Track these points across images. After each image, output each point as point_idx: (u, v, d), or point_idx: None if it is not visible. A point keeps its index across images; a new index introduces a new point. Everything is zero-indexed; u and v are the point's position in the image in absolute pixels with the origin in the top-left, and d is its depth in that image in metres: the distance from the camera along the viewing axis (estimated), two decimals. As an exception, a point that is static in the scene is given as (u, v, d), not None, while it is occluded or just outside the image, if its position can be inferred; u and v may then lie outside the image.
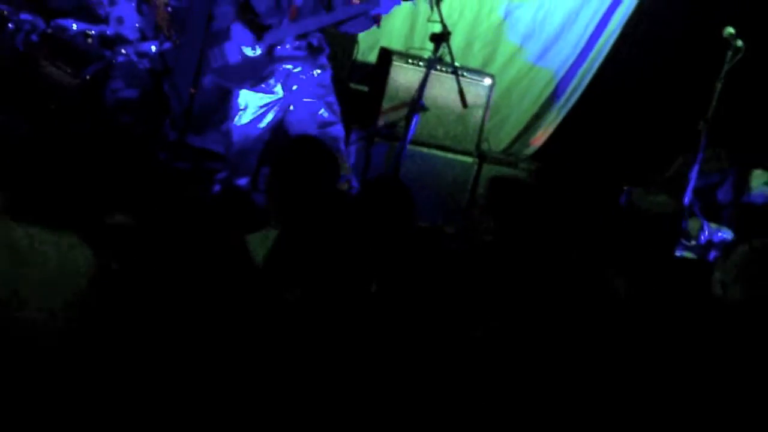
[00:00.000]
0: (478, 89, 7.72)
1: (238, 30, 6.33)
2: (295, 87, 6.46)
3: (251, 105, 6.42)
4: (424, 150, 7.56)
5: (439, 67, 7.12)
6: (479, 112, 7.76)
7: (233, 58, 6.36)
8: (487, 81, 7.83)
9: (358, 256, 3.18)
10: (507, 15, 9.10)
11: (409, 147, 6.79)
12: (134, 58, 6.98)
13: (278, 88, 6.43)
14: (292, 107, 6.50)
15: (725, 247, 6.80)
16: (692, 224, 7.08)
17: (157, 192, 6.11)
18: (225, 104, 6.66)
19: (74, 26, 6.88)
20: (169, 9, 7.11)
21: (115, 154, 5.81)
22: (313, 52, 6.47)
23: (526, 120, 9.46)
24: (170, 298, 2.41)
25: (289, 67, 6.41)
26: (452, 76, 6.83)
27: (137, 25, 7.06)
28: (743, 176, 7.40)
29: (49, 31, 6.81)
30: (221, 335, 2.49)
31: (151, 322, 2.36)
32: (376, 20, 6.45)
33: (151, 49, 7.06)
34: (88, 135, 6.39)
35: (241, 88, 6.43)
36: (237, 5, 6.35)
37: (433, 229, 6.84)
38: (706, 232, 7.10)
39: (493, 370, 2.95)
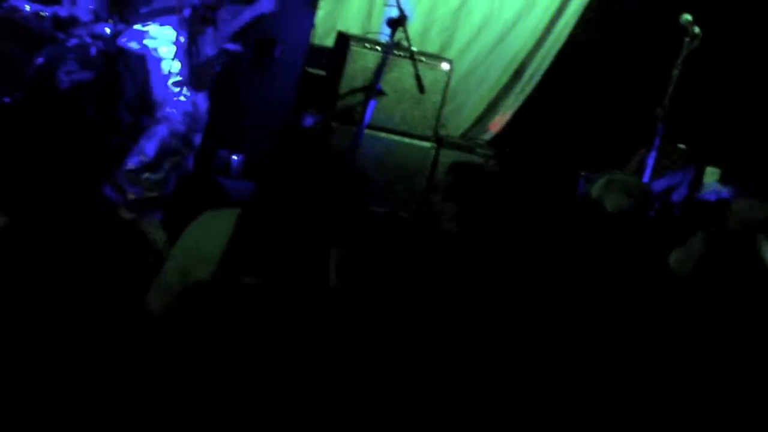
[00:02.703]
0: (435, 74, 7.71)
1: None
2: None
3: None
4: (382, 135, 7.53)
5: (396, 52, 7.10)
6: (437, 97, 7.75)
7: None
8: (445, 66, 7.82)
9: (314, 241, 3.14)
10: (464, 1, 9.08)
11: (367, 132, 6.77)
12: (88, 39, 6.89)
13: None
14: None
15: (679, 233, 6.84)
16: None
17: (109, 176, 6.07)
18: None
19: (27, 7, 6.78)
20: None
21: (69, 136, 5.73)
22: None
23: (484, 105, 9.46)
24: (109, 277, 2.37)
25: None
26: (410, 61, 6.82)
27: (91, 6, 6.97)
28: (699, 174, 7.46)
29: (1, 12, 6.71)
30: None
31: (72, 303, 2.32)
32: None
33: (105, 31, 6.98)
34: (42, 117, 6.32)
35: None
36: None
37: (389, 215, 6.82)
38: None
39: (454, 362, 2.93)
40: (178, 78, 6.25)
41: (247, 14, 6.38)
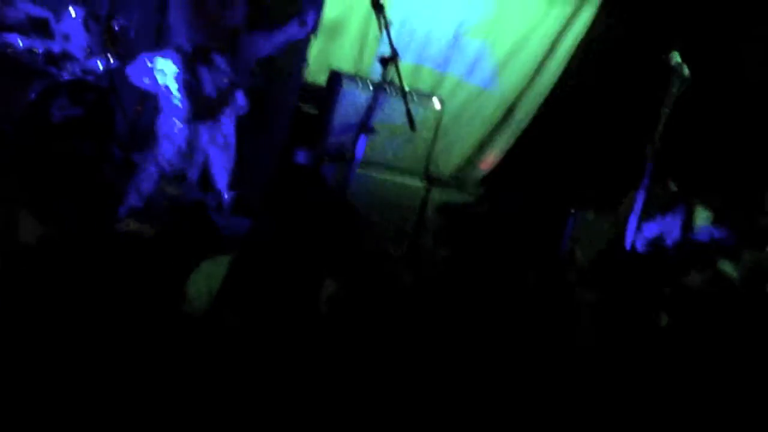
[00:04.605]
0: (427, 112, 7.73)
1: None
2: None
3: None
4: (373, 173, 7.54)
5: (388, 90, 7.13)
6: (428, 135, 7.76)
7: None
8: (436, 104, 7.84)
9: (305, 277, 3.15)
10: (456, 40, 9.13)
11: (358, 169, 6.77)
12: (80, 75, 6.92)
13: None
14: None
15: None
16: None
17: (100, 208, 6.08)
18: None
19: (20, 42, 6.81)
20: (117, 27, 7.07)
21: (61, 170, 5.75)
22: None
23: (475, 144, 9.49)
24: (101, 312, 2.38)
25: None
26: (401, 99, 6.84)
27: (84, 42, 7.00)
28: (690, 216, 7.49)
29: (-6, 47, 6.74)
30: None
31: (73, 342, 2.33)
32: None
33: (97, 67, 7.01)
34: (34, 151, 6.34)
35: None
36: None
37: (379, 252, 6.83)
38: None
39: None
40: (182, 112, 6.36)
41: (274, 40, 6.65)
